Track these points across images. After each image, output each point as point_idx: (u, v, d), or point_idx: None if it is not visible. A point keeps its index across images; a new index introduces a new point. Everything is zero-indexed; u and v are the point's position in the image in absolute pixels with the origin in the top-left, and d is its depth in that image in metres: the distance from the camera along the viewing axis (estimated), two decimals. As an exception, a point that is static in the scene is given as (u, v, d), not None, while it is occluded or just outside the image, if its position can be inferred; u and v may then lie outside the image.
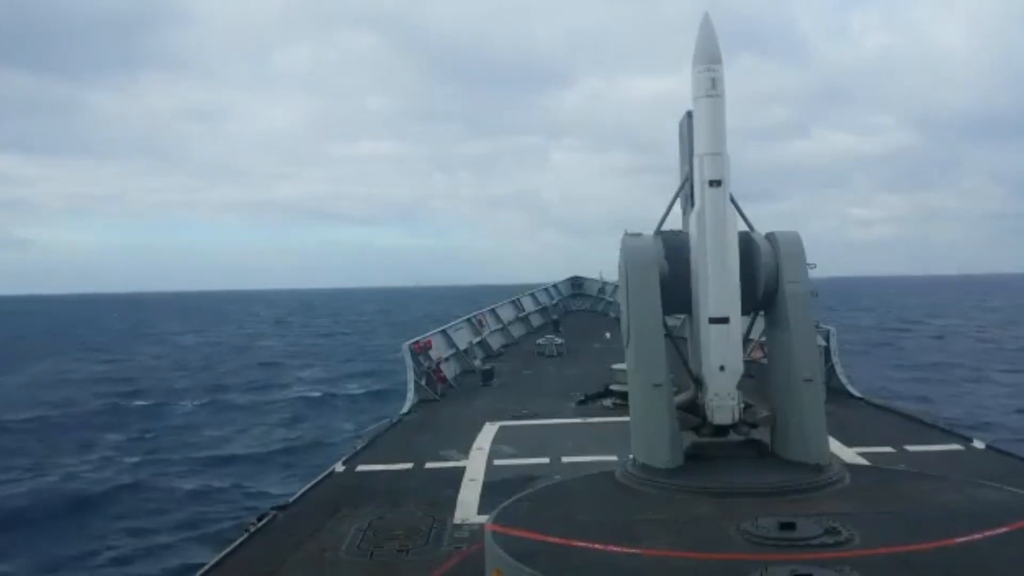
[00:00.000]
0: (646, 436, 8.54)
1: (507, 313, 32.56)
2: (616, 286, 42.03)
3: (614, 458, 10.26)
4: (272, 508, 10.53)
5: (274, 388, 46.62)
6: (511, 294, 37.08)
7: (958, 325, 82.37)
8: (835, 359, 18.50)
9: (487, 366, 22.79)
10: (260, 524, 9.87)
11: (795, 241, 8.96)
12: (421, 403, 18.40)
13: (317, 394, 43.17)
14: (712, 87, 8.62)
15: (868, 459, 11.63)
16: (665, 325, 8.84)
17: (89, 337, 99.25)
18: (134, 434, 32.38)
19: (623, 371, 17.99)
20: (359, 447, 14.24)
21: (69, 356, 69.90)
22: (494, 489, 10.64)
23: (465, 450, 13.53)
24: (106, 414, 37.76)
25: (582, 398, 17.96)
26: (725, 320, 8.58)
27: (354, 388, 45.28)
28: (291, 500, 10.94)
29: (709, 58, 8.67)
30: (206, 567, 8.57)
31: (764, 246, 8.92)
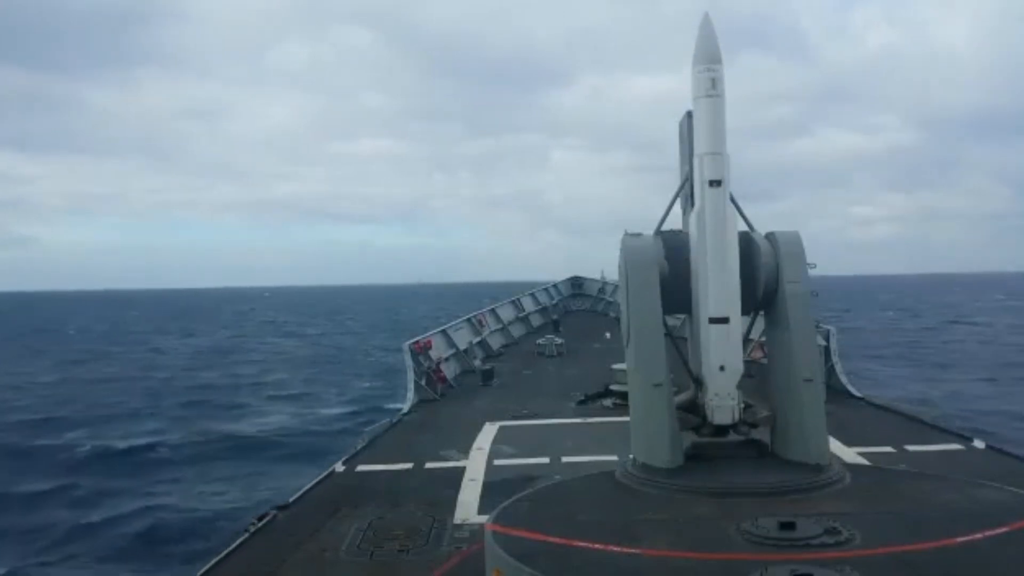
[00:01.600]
0: (646, 436, 8.54)
1: (507, 313, 32.57)
2: (616, 286, 42.20)
3: (614, 458, 10.25)
4: (272, 508, 10.53)
5: (229, 415, 36.55)
6: (512, 292, 36.99)
7: (1006, 325, 77.28)
8: (835, 359, 18.51)
9: (487, 366, 22.80)
10: (260, 524, 9.87)
11: (795, 241, 8.95)
12: (421, 403, 18.42)
13: (281, 422, 33.96)
14: (712, 87, 8.62)
15: (868, 459, 11.63)
16: (665, 325, 8.83)
17: (68, 336, 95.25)
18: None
19: (623, 371, 17.99)
20: (359, 447, 14.25)
21: (43, 357, 65.96)
22: (494, 489, 10.64)
23: (465, 450, 13.53)
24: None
25: (582, 398, 17.97)
26: (725, 320, 8.57)
27: (334, 409, 37.22)
28: (291, 500, 10.93)
29: (709, 58, 8.66)
30: (206, 567, 8.57)
31: (764, 246, 8.91)
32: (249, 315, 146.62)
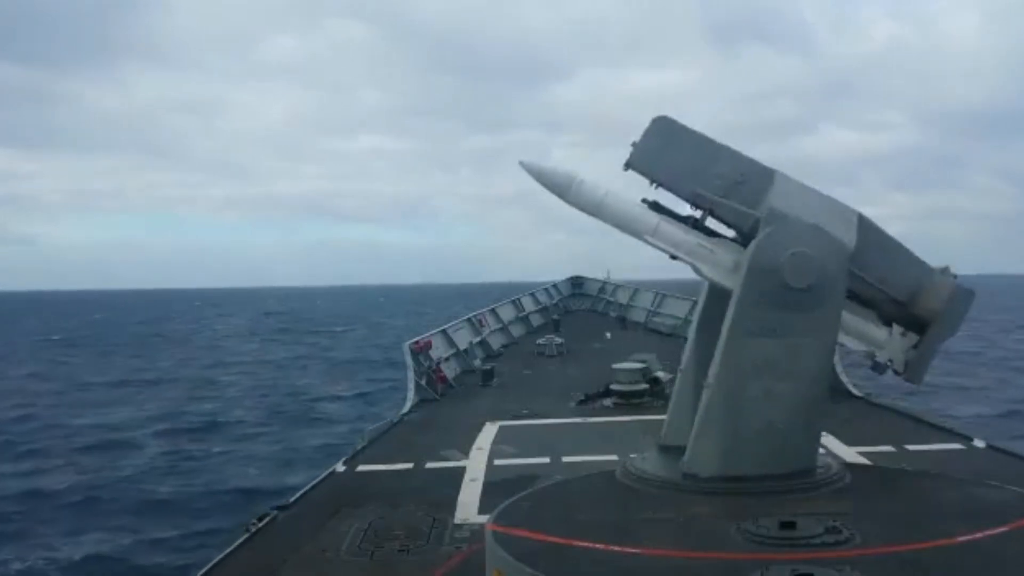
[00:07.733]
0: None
1: (507, 313, 32.56)
2: (616, 286, 42.32)
3: (614, 458, 10.26)
4: (272, 508, 10.53)
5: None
6: (517, 292, 36.95)
7: None
8: (835, 359, 18.50)
9: (487, 366, 22.79)
10: (260, 524, 9.87)
11: None
12: (421, 403, 18.44)
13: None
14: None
15: (868, 459, 11.63)
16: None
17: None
18: None
19: (624, 371, 18.05)
20: (360, 447, 14.25)
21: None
22: (495, 489, 10.64)
23: (466, 450, 13.55)
24: None
25: (582, 398, 18.01)
26: None
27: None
28: (291, 500, 10.95)
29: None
30: (206, 567, 8.58)
31: None
32: (222, 321, 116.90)
